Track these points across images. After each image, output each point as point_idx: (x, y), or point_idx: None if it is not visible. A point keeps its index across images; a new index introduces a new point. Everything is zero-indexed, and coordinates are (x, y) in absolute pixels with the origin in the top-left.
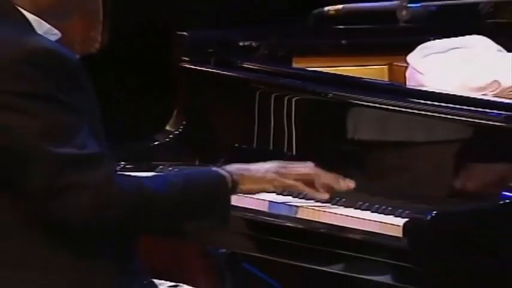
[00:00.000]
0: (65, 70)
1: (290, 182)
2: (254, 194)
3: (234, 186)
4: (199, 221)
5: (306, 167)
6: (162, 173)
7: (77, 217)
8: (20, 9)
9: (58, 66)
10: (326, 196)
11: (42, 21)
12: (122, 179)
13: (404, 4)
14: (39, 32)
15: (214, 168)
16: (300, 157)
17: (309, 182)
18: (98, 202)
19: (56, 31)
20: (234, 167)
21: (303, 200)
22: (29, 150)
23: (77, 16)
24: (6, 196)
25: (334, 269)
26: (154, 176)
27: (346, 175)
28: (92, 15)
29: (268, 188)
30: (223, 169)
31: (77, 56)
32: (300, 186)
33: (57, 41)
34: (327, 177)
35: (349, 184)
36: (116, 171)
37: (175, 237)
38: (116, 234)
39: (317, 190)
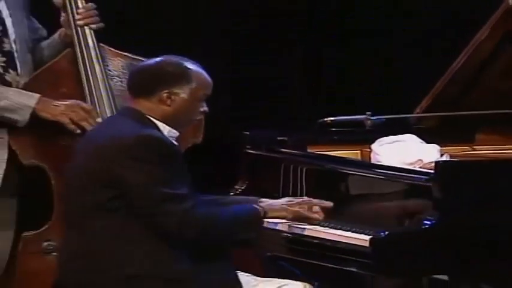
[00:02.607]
0: (165, 148)
1: (295, 209)
2: (275, 219)
3: (264, 215)
4: (243, 236)
5: (304, 199)
6: (224, 207)
7: (168, 232)
8: (151, 118)
9: (161, 145)
10: (321, 215)
11: (165, 125)
12: (199, 210)
13: (369, 117)
14: (164, 131)
15: (253, 205)
16: None
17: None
18: (181, 224)
19: (175, 131)
20: (264, 203)
21: (309, 226)
22: (142, 191)
23: (189, 125)
24: (128, 212)
25: (329, 263)
26: (219, 208)
27: (335, 210)
28: (198, 124)
29: (284, 215)
30: (258, 203)
31: (175, 143)
32: (302, 212)
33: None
34: (316, 202)
35: (328, 205)
36: (196, 205)
37: (226, 245)
38: (193, 245)
39: (311, 212)
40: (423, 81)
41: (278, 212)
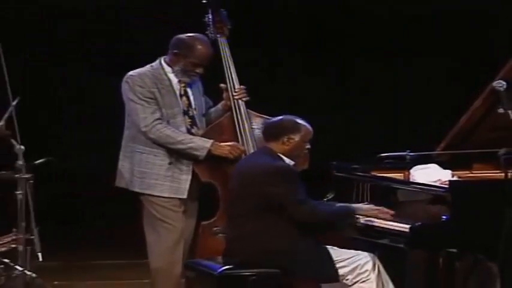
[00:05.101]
0: (291, 172)
1: (375, 213)
2: (363, 216)
3: (356, 212)
4: (342, 223)
5: (381, 209)
6: (330, 204)
7: (302, 220)
8: (280, 155)
9: (289, 170)
10: (387, 216)
11: (286, 158)
12: (317, 206)
13: (408, 153)
14: (286, 161)
15: (351, 206)
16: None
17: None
18: (309, 215)
19: (292, 161)
20: (357, 205)
21: (377, 220)
22: (285, 198)
23: (300, 157)
24: (277, 211)
25: (385, 241)
26: (329, 206)
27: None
28: (306, 158)
29: (369, 216)
30: (355, 205)
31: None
32: (379, 213)
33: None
34: (388, 211)
35: (391, 212)
36: (316, 203)
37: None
38: (315, 228)
39: (383, 214)
40: (423, 81)
41: (366, 211)
